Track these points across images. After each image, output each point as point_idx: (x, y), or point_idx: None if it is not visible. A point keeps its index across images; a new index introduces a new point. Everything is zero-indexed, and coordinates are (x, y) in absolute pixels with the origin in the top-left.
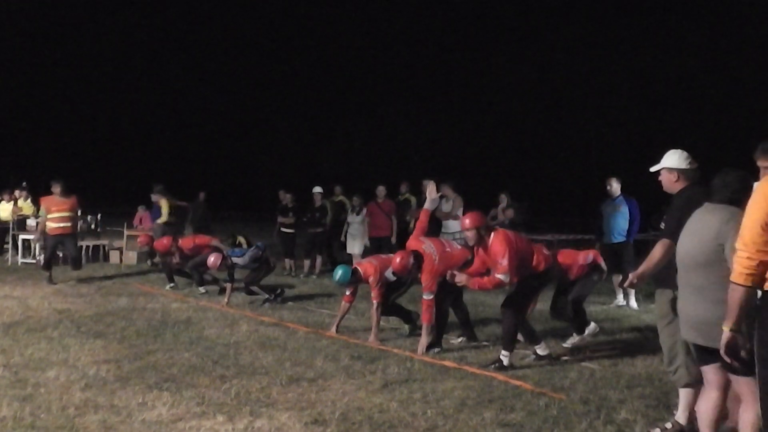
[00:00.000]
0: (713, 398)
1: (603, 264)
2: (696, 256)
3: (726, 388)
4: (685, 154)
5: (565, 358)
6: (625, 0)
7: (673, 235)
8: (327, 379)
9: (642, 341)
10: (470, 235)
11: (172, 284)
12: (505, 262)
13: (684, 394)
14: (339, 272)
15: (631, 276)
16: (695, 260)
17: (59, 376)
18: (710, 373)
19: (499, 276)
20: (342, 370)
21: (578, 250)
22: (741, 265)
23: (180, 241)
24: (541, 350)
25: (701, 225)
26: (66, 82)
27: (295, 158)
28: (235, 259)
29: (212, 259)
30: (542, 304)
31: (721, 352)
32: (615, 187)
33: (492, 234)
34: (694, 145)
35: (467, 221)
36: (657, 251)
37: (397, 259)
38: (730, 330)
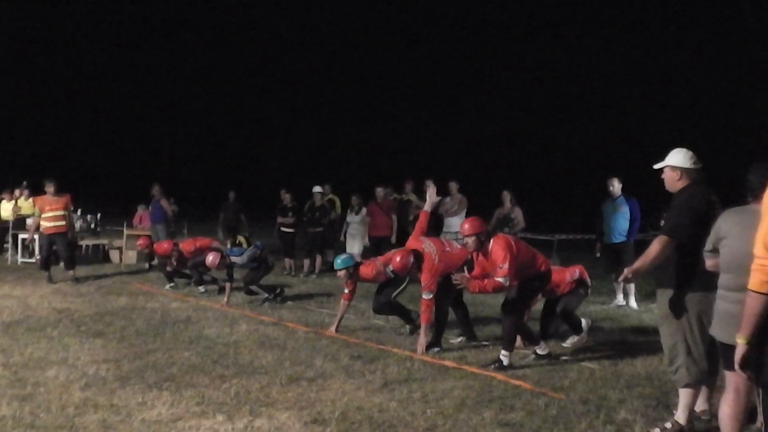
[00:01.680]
0: (740, 401)
1: (588, 280)
2: None
3: (750, 391)
4: (690, 153)
5: (564, 357)
6: (625, 0)
7: (672, 232)
8: (327, 378)
9: (642, 341)
10: (470, 241)
11: (171, 284)
12: (505, 266)
13: (684, 394)
14: (341, 257)
15: (626, 271)
16: None
17: (59, 376)
18: (739, 376)
19: (499, 279)
20: (342, 369)
21: (565, 267)
22: (764, 273)
23: (180, 244)
24: (540, 350)
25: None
26: (65, 81)
27: (295, 158)
28: (233, 259)
29: (211, 258)
30: (539, 303)
31: (736, 365)
32: (616, 187)
33: (492, 240)
34: (694, 145)
35: (467, 227)
36: (654, 247)
37: (396, 258)
38: (747, 342)
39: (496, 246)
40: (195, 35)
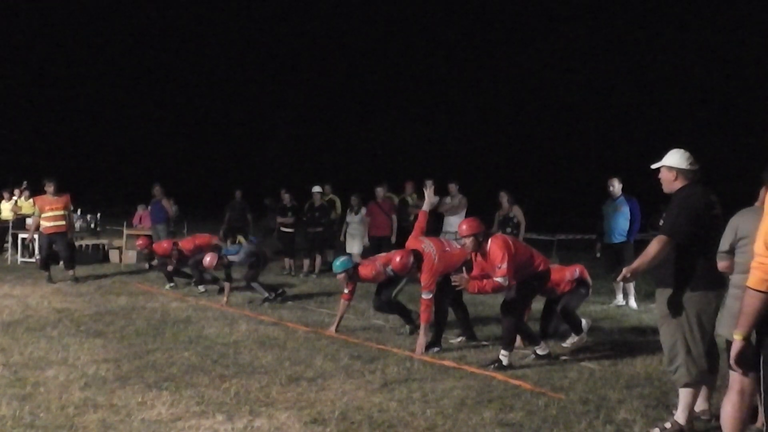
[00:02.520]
0: (744, 402)
1: (589, 279)
2: None
3: (753, 393)
4: (687, 154)
5: (564, 357)
6: (625, 0)
7: (671, 232)
8: (326, 378)
9: (641, 341)
10: (468, 242)
11: (171, 284)
12: (504, 266)
13: (683, 394)
14: (340, 260)
15: (624, 270)
16: None
17: (58, 375)
18: (745, 377)
19: (498, 279)
20: (341, 369)
21: (565, 266)
22: (763, 271)
23: (180, 243)
24: (540, 350)
25: None
26: (65, 80)
27: (295, 158)
28: (231, 257)
29: (208, 259)
30: (539, 303)
31: (732, 361)
32: (617, 187)
33: (490, 240)
34: (694, 145)
35: (464, 228)
36: (653, 247)
37: (396, 258)
38: (743, 338)
39: (494, 246)
40: (195, 34)
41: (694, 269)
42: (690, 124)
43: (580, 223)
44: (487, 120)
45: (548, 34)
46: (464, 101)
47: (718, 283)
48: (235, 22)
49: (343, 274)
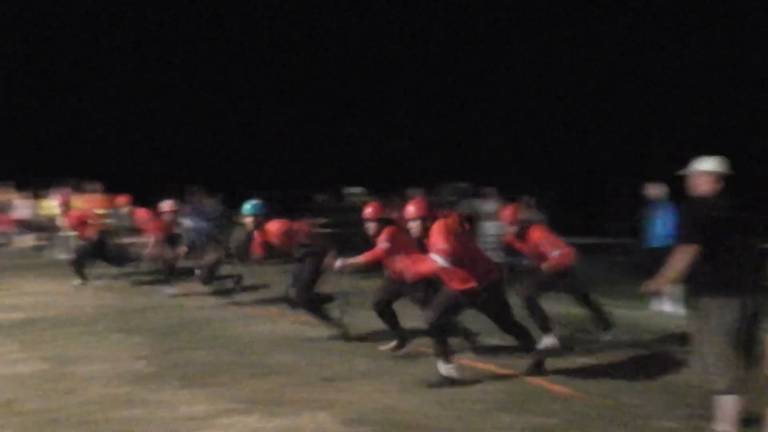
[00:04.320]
0: None
1: (572, 269)
2: None
3: None
4: (720, 159)
5: (583, 359)
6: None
7: (688, 239)
8: (344, 380)
9: (665, 346)
10: (413, 226)
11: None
12: (440, 244)
13: (721, 402)
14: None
15: (651, 283)
16: None
17: (83, 371)
18: None
19: (434, 256)
20: (358, 371)
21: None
22: None
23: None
24: (548, 342)
25: None
26: (70, 82)
27: (295, 159)
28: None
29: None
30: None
31: None
32: (657, 192)
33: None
34: (694, 145)
35: (411, 210)
36: (675, 258)
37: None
38: None
39: (434, 227)
40: (195, 33)
41: (722, 275)
42: (690, 124)
43: (580, 224)
44: (489, 120)
45: (549, 33)
46: (464, 101)
47: (746, 287)
48: (235, 22)
49: (251, 218)
